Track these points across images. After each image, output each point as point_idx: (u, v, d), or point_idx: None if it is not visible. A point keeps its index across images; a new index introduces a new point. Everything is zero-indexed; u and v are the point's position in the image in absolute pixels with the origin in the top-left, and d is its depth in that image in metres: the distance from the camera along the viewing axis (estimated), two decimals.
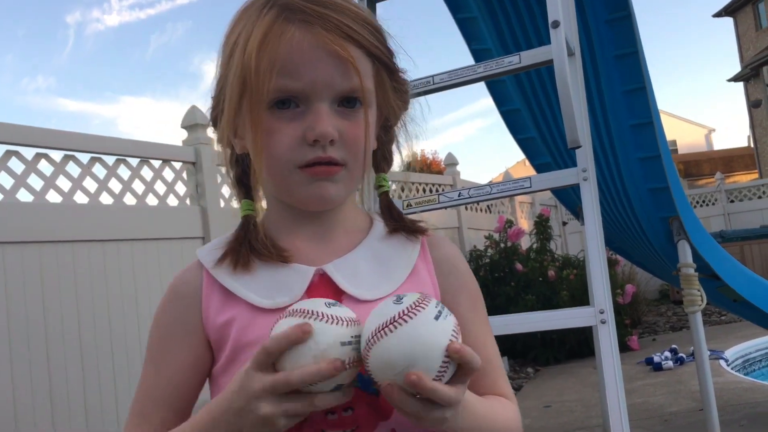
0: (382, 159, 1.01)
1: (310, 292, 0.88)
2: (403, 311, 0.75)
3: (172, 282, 0.97)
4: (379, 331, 0.75)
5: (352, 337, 0.77)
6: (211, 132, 0.99)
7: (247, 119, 0.87)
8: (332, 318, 0.76)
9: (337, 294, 0.88)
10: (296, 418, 0.76)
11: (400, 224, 0.97)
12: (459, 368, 0.76)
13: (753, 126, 23.93)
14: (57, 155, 3.46)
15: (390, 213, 0.98)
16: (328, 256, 0.92)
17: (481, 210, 8.42)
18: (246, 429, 0.76)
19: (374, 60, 0.89)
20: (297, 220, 0.93)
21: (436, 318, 0.75)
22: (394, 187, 6.71)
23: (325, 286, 0.89)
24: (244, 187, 0.97)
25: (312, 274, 0.90)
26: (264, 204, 0.98)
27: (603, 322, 1.70)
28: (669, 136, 3.78)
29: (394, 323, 0.74)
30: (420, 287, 0.92)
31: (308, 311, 0.76)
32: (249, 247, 0.91)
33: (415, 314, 0.75)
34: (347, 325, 0.77)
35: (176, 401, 0.91)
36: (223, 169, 4.07)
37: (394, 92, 0.95)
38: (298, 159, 0.86)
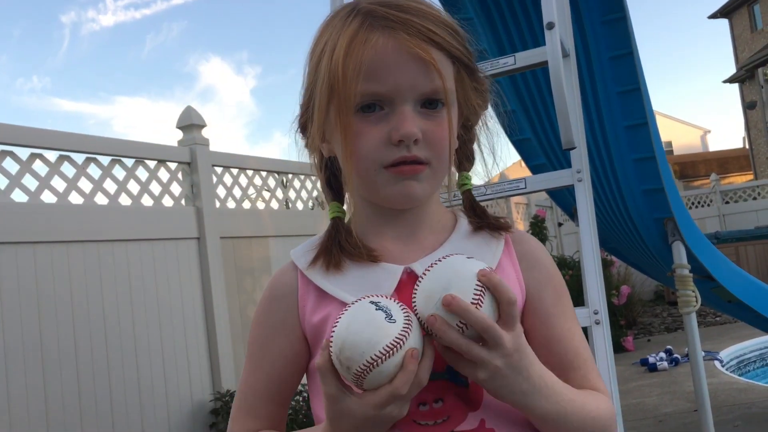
0: (464, 157, 1.04)
1: (399, 290, 0.91)
2: (438, 259, 0.83)
3: (269, 283, 1.01)
4: (422, 275, 0.82)
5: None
6: (299, 138, 1.02)
7: (336, 124, 0.90)
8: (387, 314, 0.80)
9: None
10: (401, 414, 0.81)
11: (484, 221, 0.99)
12: (498, 306, 0.80)
13: (748, 127, 24.00)
14: (52, 155, 3.46)
15: (474, 210, 1.01)
16: (415, 254, 0.95)
17: None
18: None
19: (455, 61, 0.93)
20: (384, 221, 0.97)
21: (468, 258, 0.83)
22: None
23: (413, 284, 0.90)
24: (332, 190, 1.02)
25: (400, 272, 0.93)
26: (348, 207, 1.02)
27: (597, 322, 1.70)
28: (664, 138, 3.80)
29: (431, 266, 0.82)
30: (506, 282, 0.94)
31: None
32: (339, 248, 0.95)
33: (448, 257, 0.83)
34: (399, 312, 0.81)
35: (278, 394, 0.98)
36: (219, 169, 4.08)
37: (475, 92, 0.98)
38: (384, 159, 0.89)
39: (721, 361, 5.56)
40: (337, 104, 0.89)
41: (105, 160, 3.74)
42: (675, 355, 5.76)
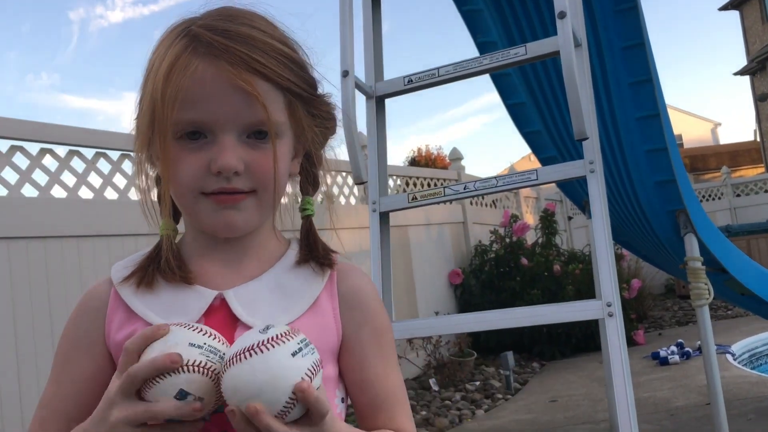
0: (307, 182, 1.02)
1: (208, 316, 0.89)
2: (264, 341, 0.76)
3: (82, 295, 0.97)
4: (236, 356, 0.75)
5: (206, 344, 0.78)
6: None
7: (157, 145, 0.88)
8: (193, 326, 0.80)
9: (234, 321, 0.89)
10: (140, 426, 0.78)
11: (311, 254, 0.96)
12: (307, 411, 0.76)
13: (759, 120, 23.81)
14: (62, 150, 3.46)
15: (307, 240, 0.98)
16: (234, 280, 0.92)
17: (486, 205, 8.40)
18: None
19: (285, 92, 0.89)
20: (209, 245, 0.94)
21: (294, 354, 0.76)
22: (398, 182, 6.70)
23: (223, 312, 0.89)
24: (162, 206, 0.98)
25: (212, 298, 0.90)
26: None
27: (610, 315, 1.68)
28: (675, 131, 3.76)
29: (251, 351, 0.75)
30: (319, 321, 0.92)
31: (181, 322, 0.80)
32: (156, 266, 0.93)
33: (274, 346, 0.75)
34: (209, 335, 0.79)
35: (75, 412, 0.91)
36: None
37: (313, 120, 0.95)
38: (202, 187, 0.87)
39: (733, 355, 5.52)
40: (155, 128, 0.87)
41: (114, 154, 3.74)
42: (686, 349, 5.73)
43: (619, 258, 7.53)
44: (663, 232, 3.20)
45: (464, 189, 1.97)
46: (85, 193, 3.53)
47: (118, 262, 0.98)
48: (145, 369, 0.76)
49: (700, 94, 65.52)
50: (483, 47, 2.98)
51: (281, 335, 0.76)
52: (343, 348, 0.94)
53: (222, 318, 0.89)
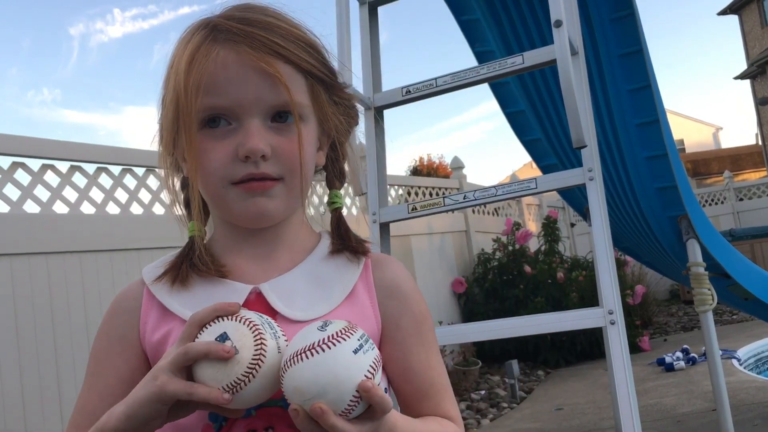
0: (333, 175, 1.02)
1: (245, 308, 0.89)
2: (324, 339, 0.75)
3: (114, 298, 0.97)
4: (297, 356, 0.75)
5: (269, 321, 0.79)
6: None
7: (183, 140, 0.88)
8: (244, 320, 0.79)
9: (271, 314, 0.88)
10: (181, 405, 0.78)
11: (344, 244, 0.96)
12: (369, 407, 0.76)
13: (761, 123, 23.80)
14: (63, 166, 3.47)
15: (338, 231, 0.98)
16: (268, 274, 0.92)
17: (488, 213, 8.40)
18: (138, 403, 0.78)
19: (307, 75, 0.90)
20: (241, 239, 0.94)
21: (355, 351, 0.75)
22: (400, 191, 6.70)
23: (259, 305, 0.89)
24: (196, 210, 0.97)
25: (248, 292, 0.90)
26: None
27: (612, 322, 1.68)
28: (676, 135, 3.76)
29: (312, 350, 0.74)
30: (357, 310, 0.92)
31: (245, 318, 0.79)
32: (189, 263, 0.92)
33: (335, 344, 0.75)
34: (265, 332, 0.78)
35: None
36: None
37: (335, 107, 0.95)
38: (231, 175, 0.87)
39: (738, 360, 5.50)
40: (180, 121, 0.87)
41: (116, 169, 3.75)
42: (692, 355, 5.70)
43: (622, 264, 7.51)
44: (665, 238, 3.19)
45: (464, 199, 1.97)
46: (87, 209, 3.53)
47: (148, 265, 0.97)
48: (199, 349, 0.76)
49: (702, 99, 65.54)
50: (481, 56, 2.99)
51: (341, 332, 0.76)
52: (384, 337, 0.93)
53: (260, 312, 0.88)
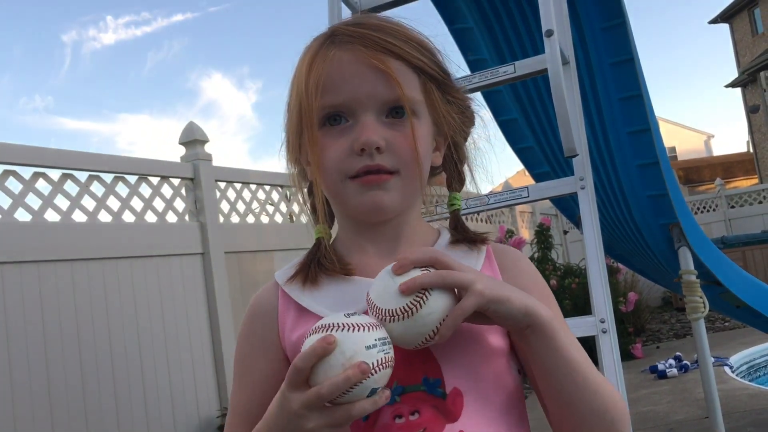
0: (452, 178, 1.06)
1: None
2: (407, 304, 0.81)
3: (251, 301, 1.02)
4: (391, 317, 0.80)
5: (376, 339, 0.79)
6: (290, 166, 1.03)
7: (306, 140, 0.93)
8: (353, 326, 0.79)
9: None
10: (341, 428, 0.78)
11: (463, 236, 0.99)
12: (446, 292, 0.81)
13: (752, 131, 23.96)
14: (55, 174, 3.46)
15: (456, 227, 1.01)
16: None
17: (481, 220, 8.41)
18: None
19: (420, 72, 0.93)
20: (364, 237, 0.97)
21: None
22: None
23: None
24: (323, 213, 1.01)
25: None
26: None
27: (604, 331, 1.68)
28: (668, 143, 3.78)
29: (403, 310, 0.81)
30: None
31: (329, 325, 0.79)
32: (317, 263, 0.96)
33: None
34: (369, 329, 0.79)
35: (257, 416, 0.92)
36: (222, 184, 4.05)
37: (449, 106, 0.98)
38: (349, 169, 0.90)
39: (731, 367, 5.51)
40: (304, 121, 0.92)
41: (108, 177, 3.75)
42: (684, 362, 5.71)
43: (615, 271, 7.52)
44: (657, 246, 3.20)
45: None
46: (79, 217, 3.52)
47: (279, 269, 1.01)
48: (339, 384, 0.75)
49: (693, 107, 65.96)
50: (474, 65, 3.00)
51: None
52: None
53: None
